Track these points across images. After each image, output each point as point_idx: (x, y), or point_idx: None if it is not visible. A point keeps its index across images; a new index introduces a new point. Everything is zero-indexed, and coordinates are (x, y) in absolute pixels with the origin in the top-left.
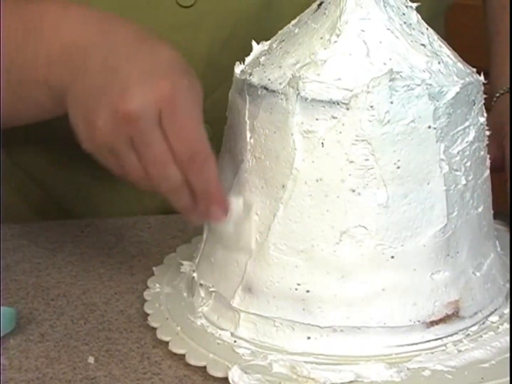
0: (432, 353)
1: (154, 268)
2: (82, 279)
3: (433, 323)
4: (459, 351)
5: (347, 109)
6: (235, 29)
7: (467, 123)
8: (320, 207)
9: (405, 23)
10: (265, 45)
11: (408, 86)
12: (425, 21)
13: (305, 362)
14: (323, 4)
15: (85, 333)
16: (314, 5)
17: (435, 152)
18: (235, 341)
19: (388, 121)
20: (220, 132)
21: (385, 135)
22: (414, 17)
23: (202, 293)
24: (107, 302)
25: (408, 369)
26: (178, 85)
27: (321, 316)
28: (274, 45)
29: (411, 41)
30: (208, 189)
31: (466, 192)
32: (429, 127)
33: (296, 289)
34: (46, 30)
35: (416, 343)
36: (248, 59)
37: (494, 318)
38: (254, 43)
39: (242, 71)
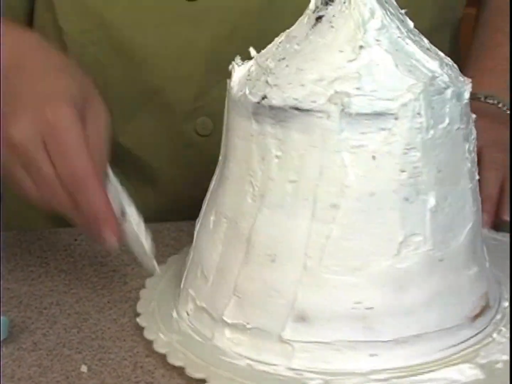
0: (486, 345)
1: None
2: (75, 288)
3: (475, 317)
4: (506, 338)
5: (396, 118)
6: (237, 25)
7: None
8: (374, 221)
9: (407, 30)
10: (250, 66)
11: (441, 90)
12: (427, 31)
13: (384, 380)
14: (324, 18)
15: (78, 341)
16: (308, 19)
17: (463, 152)
18: (300, 374)
19: (432, 127)
20: (220, 126)
21: (429, 141)
22: (410, 22)
23: (229, 333)
24: (100, 310)
25: (482, 365)
26: (60, 112)
27: (382, 330)
28: (273, 64)
29: (419, 46)
30: (95, 213)
31: (477, 187)
32: (458, 128)
33: (354, 308)
34: None
35: (468, 339)
36: (234, 83)
37: (505, 303)
38: (252, 50)
39: (245, 94)
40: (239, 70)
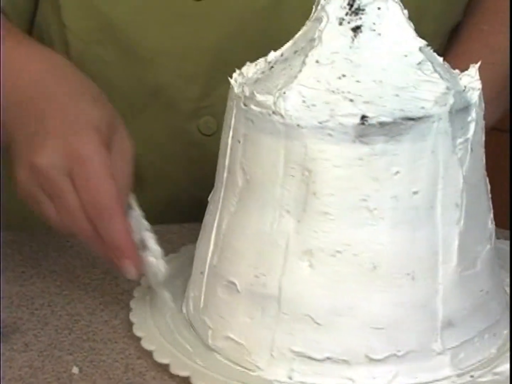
0: None
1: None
2: (66, 289)
3: None
4: None
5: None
6: (244, 25)
7: None
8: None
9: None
10: (298, 93)
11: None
12: (431, 35)
13: None
14: (363, 27)
15: (69, 343)
16: (338, 32)
17: (482, 154)
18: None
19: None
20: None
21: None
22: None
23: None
24: (91, 312)
25: None
26: (87, 142)
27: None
28: (338, 83)
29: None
30: (117, 244)
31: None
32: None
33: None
34: (16, 62)
35: None
36: (290, 113)
37: None
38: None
39: (332, 119)
40: (290, 98)
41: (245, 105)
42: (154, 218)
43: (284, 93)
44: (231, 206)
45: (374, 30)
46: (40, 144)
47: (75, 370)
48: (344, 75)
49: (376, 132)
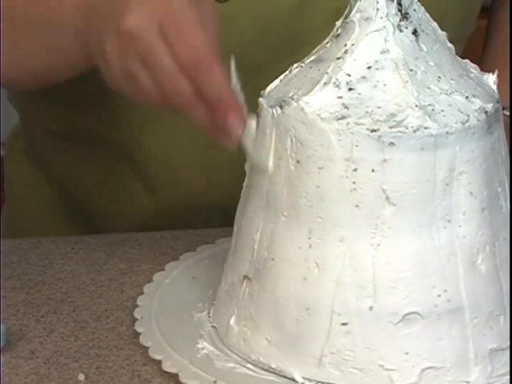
0: None
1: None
2: (72, 296)
3: None
4: None
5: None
6: (266, 29)
7: None
8: None
9: None
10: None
11: None
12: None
13: None
14: (418, 31)
15: (75, 350)
16: (401, 38)
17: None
18: None
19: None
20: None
21: None
22: None
23: None
24: (97, 319)
25: None
26: None
27: None
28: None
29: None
30: (220, 96)
31: None
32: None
33: None
34: None
35: None
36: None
37: None
38: None
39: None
40: (429, 111)
41: (373, 130)
42: (169, 221)
43: (432, 107)
44: (372, 238)
45: (427, 34)
46: (124, 10)
47: (81, 377)
48: (439, 77)
49: (494, 121)
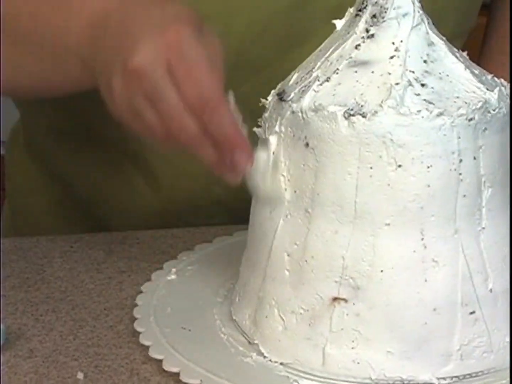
0: None
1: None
2: (71, 295)
3: None
4: None
5: None
6: (267, 25)
7: None
8: None
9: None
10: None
11: None
12: (447, 40)
13: None
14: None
15: (74, 348)
16: (424, 36)
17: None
18: None
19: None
20: (247, 124)
21: None
22: None
23: None
24: (96, 317)
25: None
26: (183, 32)
27: None
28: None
29: None
30: (226, 133)
31: None
32: None
33: None
34: (74, 0)
35: None
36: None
37: None
38: None
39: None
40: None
41: (471, 119)
42: (172, 217)
43: (490, 88)
44: (478, 223)
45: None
46: (132, 47)
47: (80, 375)
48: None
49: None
